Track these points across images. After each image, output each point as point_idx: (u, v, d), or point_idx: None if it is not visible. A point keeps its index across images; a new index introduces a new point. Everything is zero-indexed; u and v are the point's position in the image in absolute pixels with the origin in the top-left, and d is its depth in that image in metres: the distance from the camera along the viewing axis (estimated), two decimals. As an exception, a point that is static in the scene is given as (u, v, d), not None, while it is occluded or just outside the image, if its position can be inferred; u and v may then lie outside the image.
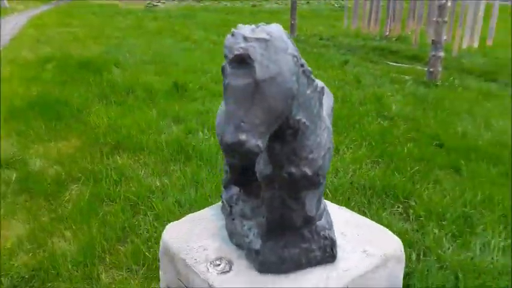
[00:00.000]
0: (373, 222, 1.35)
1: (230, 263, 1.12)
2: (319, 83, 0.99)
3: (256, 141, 0.73)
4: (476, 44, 5.77)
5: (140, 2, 15.40)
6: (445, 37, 5.27)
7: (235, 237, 1.19)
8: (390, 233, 1.28)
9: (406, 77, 5.35)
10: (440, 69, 5.22)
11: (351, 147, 3.10)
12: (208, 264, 1.12)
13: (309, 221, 1.00)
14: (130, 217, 2.29)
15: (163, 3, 15.82)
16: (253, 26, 0.83)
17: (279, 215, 1.02)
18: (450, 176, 2.71)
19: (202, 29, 9.22)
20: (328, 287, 1.02)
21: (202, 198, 2.39)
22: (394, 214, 2.28)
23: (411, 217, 2.24)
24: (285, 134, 0.87)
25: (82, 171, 2.78)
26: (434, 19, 5.29)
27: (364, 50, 7.06)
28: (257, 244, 1.08)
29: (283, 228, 1.05)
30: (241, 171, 1.15)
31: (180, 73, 5.25)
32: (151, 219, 2.26)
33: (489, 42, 5.86)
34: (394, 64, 6.26)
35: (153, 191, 2.54)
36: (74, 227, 2.21)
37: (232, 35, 0.79)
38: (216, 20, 10.91)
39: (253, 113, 0.73)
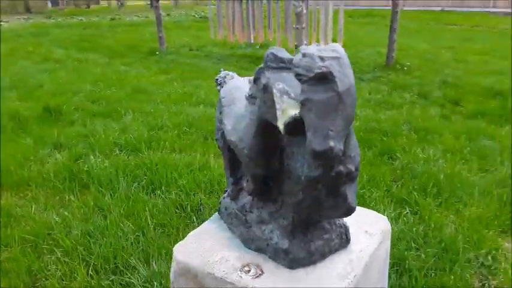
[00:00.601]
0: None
1: (259, 267, 1.15)
2: None
3: (340, 146, 0.83)
4: (330, 46, 6.55)
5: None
6: (305, 42, 5.85)
7: (254, 243, 1.22)
8: (376, 213, 1.44)
9: (278, 80, 5.78)
10: (305, 70, 5.78)
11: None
12: (239, 272, 1.14)
13: (351, 212, 1.06)
14: (35, 259, 2.06)
15: (7, 22, 14.11)
16: (316, 45, 0.90)
17: (306, 214, 1.08)
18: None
19: (60, 46, 8.51)
20: (354, 269, 1.15)
21: (113, 225, 2.28)
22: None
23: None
24: None
25: (-44, 220, 2.39)
26: (294, 26, 5.84)
27: (234, 58, 7.37)
28: (285, 244, 1.14)
29: (307, 225, 1.13)
30: (263, 180, 1.17)
31: (48, 96, 4.80)
32: (59, 255, 2.07)
33: (339, 43, 6.69)
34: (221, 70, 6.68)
35: (53, 226, 2.32)
36: (-35, 284, 1.90)
37: (304, 55, 0.86)
38: (73, 35, 10.19)
39: (337, 121, 0.83)
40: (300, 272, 1.14)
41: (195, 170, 2.92)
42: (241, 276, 1.13)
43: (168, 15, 16.07)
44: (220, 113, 1.30)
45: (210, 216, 2.34)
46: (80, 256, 2.05)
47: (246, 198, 1.29)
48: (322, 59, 0.85)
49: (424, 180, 2.72)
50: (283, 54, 1.00)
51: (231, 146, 1.23)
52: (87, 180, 2.80)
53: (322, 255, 1.17)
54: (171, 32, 9.97)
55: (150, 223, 2.29)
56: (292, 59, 0.97)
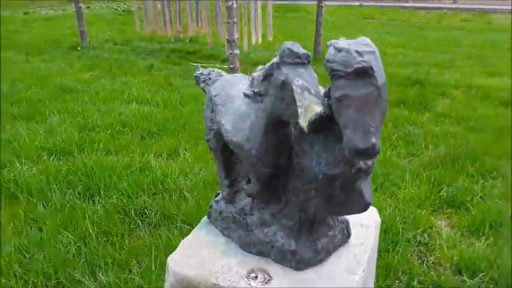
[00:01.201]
0: None
1: (265, 272, 1.10)
2: None
3: (379, 142, 0.81)
4: (260, 40, 6.63)
5: None
6: (237, 36, 5.84)
7: (256, 247, 1.16)
8: None
9: (211, 75, 5.73)
10: (238, 65, 5.78)
11: (188, 148, 3.19)
12: (246, 279, 1.08)
13: (368, 207, 1.02)
14: (-38, 283, 1.85)
15: None
16: (344, 40, 0.86)
17: (314, 212, 1.04)
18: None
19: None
20: (360, 263, 1.14)
21: (50, 237, 2.12)
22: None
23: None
24: None
25: None
26: (225, 20, 5.80)
27: (164, 52, 7.17)
28: (291, 244, 1.09)
29: (313, 223, 1.09)
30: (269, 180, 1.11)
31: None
32: (-9, 276, 1.89)
33: (270, 38, 6.80)
34: (196, 64, 6.59)
35: (-21, 244, 2.10)
36: None
37: (340, 50, 0.83)
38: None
39: (376, 117, 0.80)
40: (309, 273, 1.11)
41: (135, 171, 2.81)
42: (250, 284, 1.07)
43: (88, 7, 15.16)
44: (212, 111, 1.23)
45: (155, 220, 2.30)
46: (17, 275, 1.88)
47: (244, 201, 1.24)
48: (359, 53, 0.82)
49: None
50: (299, 49, 0.95)
51: (230, 146, 1.16)
52: (15, 190, 2.56)
53: (328, 253, 1.16)
54: (92, 26, 9.42)
55: (91, 232, 2.16)
56: (307, 54, 0.94)
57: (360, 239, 1.25)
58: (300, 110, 0.88)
